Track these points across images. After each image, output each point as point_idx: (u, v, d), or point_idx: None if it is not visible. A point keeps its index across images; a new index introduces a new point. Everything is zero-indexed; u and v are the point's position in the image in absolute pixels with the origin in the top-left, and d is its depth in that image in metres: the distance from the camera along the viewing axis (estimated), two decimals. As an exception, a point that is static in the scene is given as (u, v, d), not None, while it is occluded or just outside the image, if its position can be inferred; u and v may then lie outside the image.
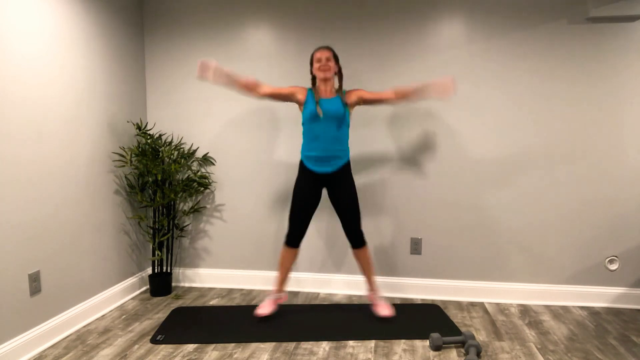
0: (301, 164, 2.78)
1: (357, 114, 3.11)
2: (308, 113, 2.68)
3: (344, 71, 2.95)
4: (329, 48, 2.71)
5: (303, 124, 2.75)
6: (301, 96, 2.73)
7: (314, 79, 2.78)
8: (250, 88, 2.73)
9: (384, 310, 2.84)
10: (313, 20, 3.19)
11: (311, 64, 2.75)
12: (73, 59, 2.65)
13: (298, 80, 3.11)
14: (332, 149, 2.69)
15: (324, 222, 3.29)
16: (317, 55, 2.69)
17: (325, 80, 2.71)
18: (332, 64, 2.69)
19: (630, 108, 2.97)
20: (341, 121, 2.68)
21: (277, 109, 3.26)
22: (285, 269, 2.84)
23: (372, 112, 3.13)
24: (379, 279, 3.27)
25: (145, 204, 3.17)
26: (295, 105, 2.93)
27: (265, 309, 2.80)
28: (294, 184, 2.79)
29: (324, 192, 2.87)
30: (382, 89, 3.09)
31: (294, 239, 2.78)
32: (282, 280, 2.86)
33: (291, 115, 3.19)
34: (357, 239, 2.80)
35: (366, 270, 2.88)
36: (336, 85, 2.80)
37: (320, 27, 3.19)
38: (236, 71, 3.30)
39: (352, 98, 2.75)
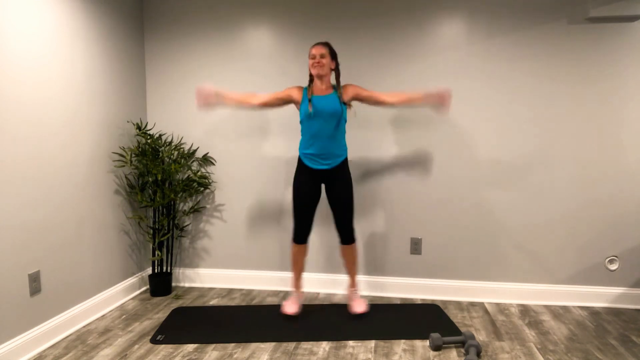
0: (299, 160, 2.79)
1: (357, 114, 3.11)
2: (304, 111, 2.69)
3: (344, 71, 2.95)
4: (324, 44, 2.70)
5: (300, 122, 2.76)
6: (297, 96, 2.74)
7: (311, 75, 2.76)
8: (247, 101, 2.79)
9: (360, 306, 2.87)
10: (313, 20, 3.19)
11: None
12: (73, 59, 2.65)
13: (298, 80, 3.10)
14: (329, 146, 2.69)
15: (324, 221, 3.29)
16: (312, 51, 2.68)
17: (320, 77, 2.70)
18: (326, 60, 2.67)
19: (630, 108, 2.97)
20: (338, 118, 2.68)
21: (277, 109, 3.25)
22: (299, 266, 2.89)
23: (371, 111, 3.13)
24: (379, 279, 3.28)
25: (145, 204, 3.17)
26: (293, 105, 2.93)
27: (291, 307, 2.83)
28: (293, 181, 2.80)
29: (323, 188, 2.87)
30: (382, 89, 3.09)
31: (300, 235, 2.81)
32: (298, 278, 2.92)
33: (290, 114, 3.19)
34: (347, 236, 2.82)
35: (350, 268, 2.92)
36: (333, 81, 2.79)
37: (319, 27, 3.18)
38: (236, 71, 3.31)
39: (348, 94, 2.74)
